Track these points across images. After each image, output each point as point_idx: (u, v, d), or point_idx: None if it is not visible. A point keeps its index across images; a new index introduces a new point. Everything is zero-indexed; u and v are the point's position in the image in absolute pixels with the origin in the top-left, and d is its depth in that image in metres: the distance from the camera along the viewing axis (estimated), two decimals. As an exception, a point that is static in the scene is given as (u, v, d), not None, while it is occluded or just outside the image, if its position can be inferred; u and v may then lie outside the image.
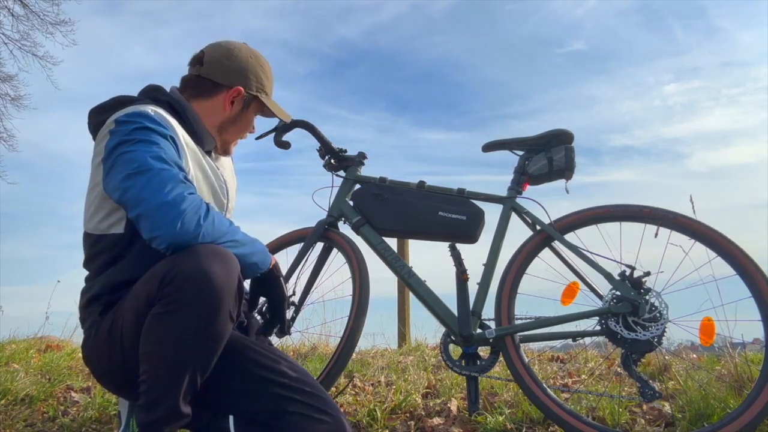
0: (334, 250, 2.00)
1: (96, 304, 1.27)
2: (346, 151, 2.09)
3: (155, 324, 1.09)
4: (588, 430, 1.54)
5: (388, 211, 1.94)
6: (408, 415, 1.83)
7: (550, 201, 1.85)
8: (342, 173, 2.07)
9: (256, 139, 2.02)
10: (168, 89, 1.45)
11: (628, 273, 1.66)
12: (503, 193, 1.89)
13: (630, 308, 1.62)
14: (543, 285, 1.79)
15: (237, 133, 1.50)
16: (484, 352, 1.82)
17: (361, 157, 2.08)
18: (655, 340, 1.59)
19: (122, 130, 1.22)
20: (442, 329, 1.85)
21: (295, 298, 1.96)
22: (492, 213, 1.87)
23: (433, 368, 2.61)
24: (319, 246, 2.03)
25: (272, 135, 1.99)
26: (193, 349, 1.10)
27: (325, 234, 2.00)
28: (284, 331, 1.53)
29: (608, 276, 1.68)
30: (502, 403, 1.82)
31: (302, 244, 2.02)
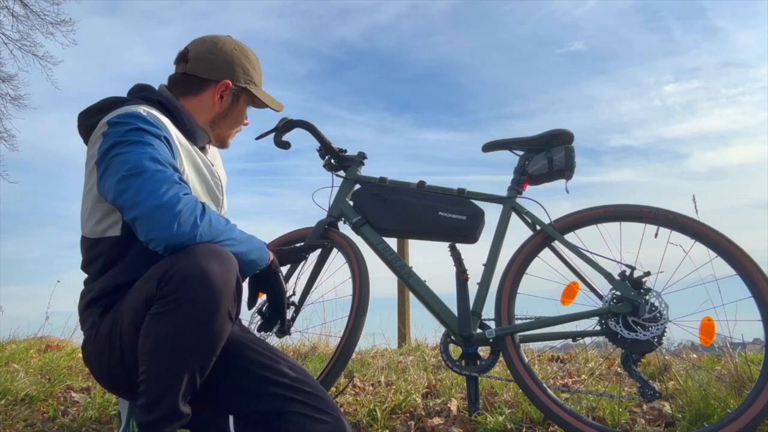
0: (334, 250, 2.00)
1: (96, 306, 1.27)
2: (346, 151, 2.09)
3: (154, 324, 1.09)
4: (588, 430, 1.54)
5: (388, 211, 1.94)
6: (408, 415, 1.83)
7: (550, 201, 1.85)
8: (342, 173, 2.07)
9: (256, 139, 2.02)
10: (157, 87, 1.44)
11: (628, 273, 1.66)
12: (503, 193, 1.89)
13: (630, 308, 1.62)
14: (543, 285, 1.79)
15: (230, 126, 1.49)
16: (484, 352, 1.82)
17: (361, 157, 2.08)
18: (655, 340, 1.59)
19: (115, 131, 1.21)
20: (442, 329, 1.85)
21: (295, 298, 1.96)
22: (492, 213, 1.88)
23: (433, 368, 2.61)
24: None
25: (272, 135, 1.99)
26: (192, 349, 1.10)
27: (325, 234, 2.00)
28: (285, 325, 1.53)
29: (608, 276, 1.68)
30: (502, 403, 1.82)
31: (302, 243, 2.02)
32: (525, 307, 1.78)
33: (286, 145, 2.00)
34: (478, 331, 1.77)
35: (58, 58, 11.04)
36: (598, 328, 1.67)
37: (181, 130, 1.38)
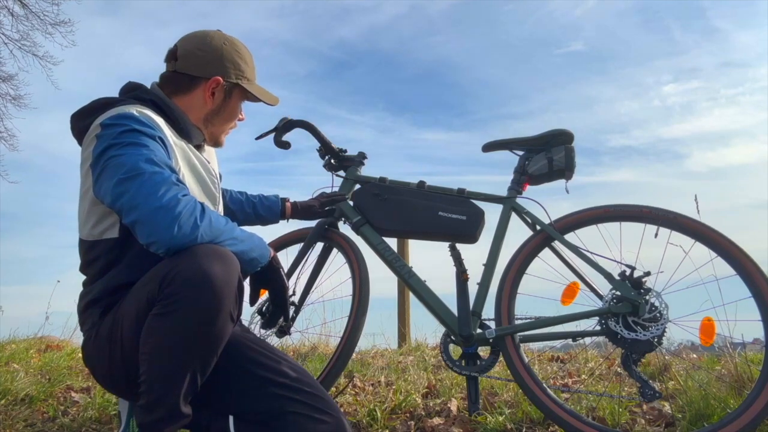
0: (334, 250, 2.00)
1: (95, 307, 1.27)
2: (346, 151, 2.09)
3: (155, 325, 1.09)
4: (588, 430, 1.54)
5: (388, 211, 1.94)
6: (408, 415, 1.83)
7: (550, 201, 1.85)
8: (342, 173, 2.07)
9: (256, 139, 2.02)
10: (149, 86, 1.42)
11: (628, 273, 1.66)
12: (503, 193, 1.89)
13: (630, 308, 1.62)
14: (543, 285, 1.79)
15: (224, 123, 1.47)
16: (484, 352, 1.82)
17: (361, 157, 2.08)
18: (655, 340, 1.59)
19: (109, 133, 1.19)
20: (442, 329, 1.85)
21: (295, 298, 1.95)
22: (492, 213, 1.88)
23: (433, 368, 2.61)
24: (319, 246, 2.03)
25: (272, 135, 1.99)
26: (193, 350, 1.10)
27: (325, 234, 2.00)
28: (288, 321, 1.53)
29: (608, 276, 1.68)
30: (502, 403, 1.82)
31: (302, 244, 2.02)
32: (525, 307, 1.78)
33: (286, 145, 2.00)
34: (478, 331, 1.77)
35: (58, 58, 11.06)
36: (598, 328, 1.67)
37: (175, 129, 1.37)
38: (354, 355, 2.70)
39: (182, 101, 1.41)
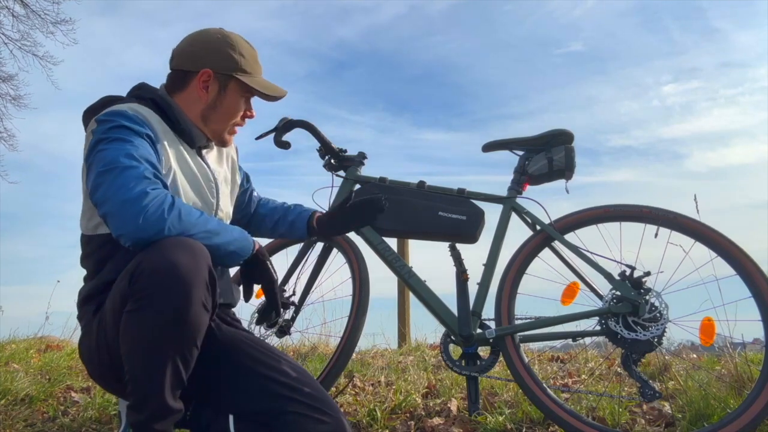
0: (334, 250, 2.00)
1: (89, 304, 1.28)
2: (346, 151, 2.08)
3: (129, 322, 1.09)
4: (588, 430, 1.54)
5: (388, 211, 1.94)
6: (408, 415, 1.83)
7: (550, 201, 1.85)
8: (342, 173, 2.07)
9: (256, 139, 2.02)
10: (159, 87, 1.43)
11: (628, 273, 1.66)
12: (503, 193, 1.89)
13: (630, 308, 1.62)
14: (543, 285, 1.79)
15: (223, 119, 1.42)
16: (484, 352, 1.82)
17: (361, 157, 2.08)
18: (655, 340, 1.59)
19: (100, 129, 1.22)
20: (442, 329, 1.85)
21: (295, 298, 1.96)
22: (492, 213, 1.87)
23: (433, 368, 2.61)
24: (319, 246, 2.03)
25: (272, 135, 1.99)
26: (170, 342, 1.08)
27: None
28: (280, 314, 1.52)
29: (608, 276, 1.68)
30: (502, 403, 1.82)
31: (302, 244, 2.02)
32: (525, 307, 1.78)
33: (286, 145, 1.99)
34: (478, 331, 1.77)
35: (58, 58, 11.05)
36: (598, 328, 1.67)
37: (175, 129, 1.37)
38: (354, 355, 2.70)
39: (180, 98, 1.40)
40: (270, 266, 1.37)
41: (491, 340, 1.74)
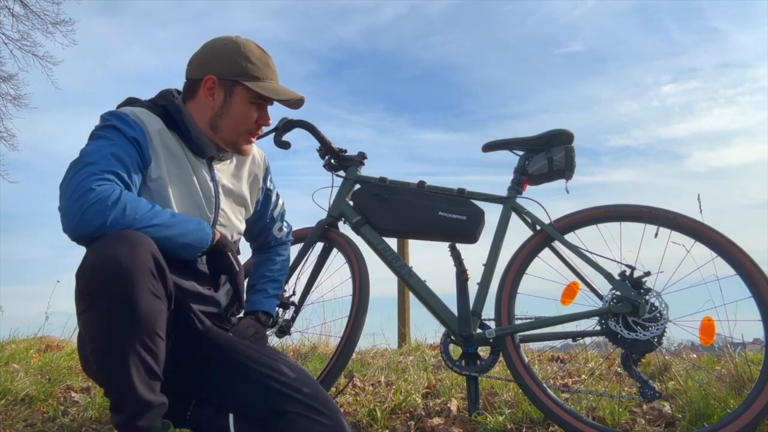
0: (334, 250, 2.00)
1: None
2: (346, 151, 2.09)
3: (84, 323, 1.09)
4: (588, 430, 1.54)
5: (388, 211, 1.94)
6: (408, 415, 1.83)
7: (550, 201, 1.85)
8: (342, 173, 2.07)
9: (256, 139, 2.02)
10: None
11: (628, 273, 1.66)
12: (503, 193, 1.89)
13: (630, 308, 1.62)
14: (543, 285, 1.79)
15: (232, 126, 1.39)
16: (484, 352, 1.82)
17: (361, 157, 2.08)
18: (655, 340, 1.59)
19: (96, 126, 1.27)
20: (442, 329, 1.85)
21: (295, 298, 1.96)
22: (492, 213, 1.88)
23: (433, 368, 2.61)
24: (319, 246, 2.03)
25: (272, 135, 1.99)
26: (125, 335, 1.06)
27: (325, 234, 2.00)
28: (243, 307, 1.51)
29: (608, 276, 1.68)
30: (502, 403, 1.82)
31: (302, 244, 2.02)
32: (525, 307, 1.78)
33: (286, 145, 1.99)
34: (478, 331, 1.77)
35: (58, 58, 11.06)
36: (598, 328, 1.67)
37: (183, 137, 1.36)
38: (354, 355, 2.70)
39: (192, 106, 1.40)
40: (231, 257, 1.34)
41: (491, 340, 1.74)
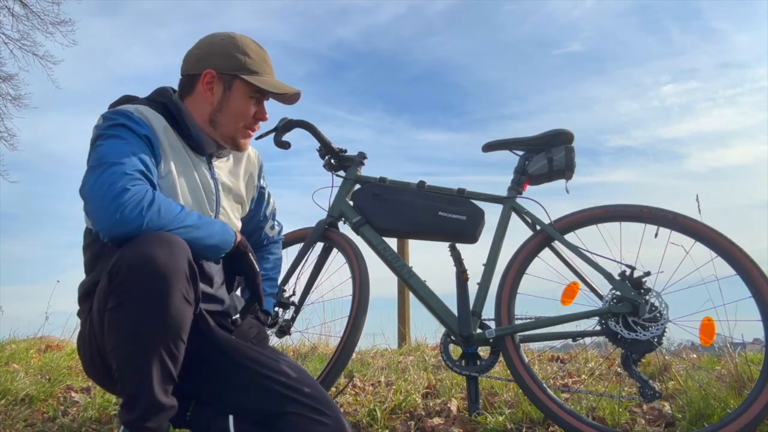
0: (334, 250, 2.00)
1: (86, 302, 1.28)
2: (346, 151, 2.09)
3: (111, 319, 1.09)
4: (588, 430, 1.54)
5: (388, 211, 1.94)
6: (408, 415, 1.83)
7: (550, 201, 1.85)
8: (342, 173, 2.07)
9: (256, 139, 2.02)
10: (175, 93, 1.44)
11: (628, 273, 1.66)
12: (503, 193, 1.89)
13: (630, 308, 1.62)
14: (543, 285, 1.79)
15: (231, 121, 1.39)
16: (484, 352, 1.82)
17: (361, 157, 2.08)
18: (655, 340, 1.59)
19: (101, 126, 1.25)
20: (442, 329, 1.85)
21: (295, 298, 1.96)
22: (492, 213, 1.87)
23: (433, 368, 2.61)
24: (319, 246, 2.03)
25: (272, 135, 1.99)
26: (153, 336, 1.08)
27: (325, 234, 2.00)
28: (262, 305, 1.51)
29: (608, 276, 1.68)
30: (502, 403, 1.82)
31: (302, 244, 2.02)
32: (525, 307, 1.78)
33: (286, 145, 1.99)
34: (478, 331, 1.77)
35: (58, 58, 11.08)
36: (598, 328, 1.67)
37: (183, 135, 1.36)
38: (354, 355, 2.69)
39: (190, 102, 1.40)
40: (252, 258, 1.36)
41: (491, 340, 1.74)
